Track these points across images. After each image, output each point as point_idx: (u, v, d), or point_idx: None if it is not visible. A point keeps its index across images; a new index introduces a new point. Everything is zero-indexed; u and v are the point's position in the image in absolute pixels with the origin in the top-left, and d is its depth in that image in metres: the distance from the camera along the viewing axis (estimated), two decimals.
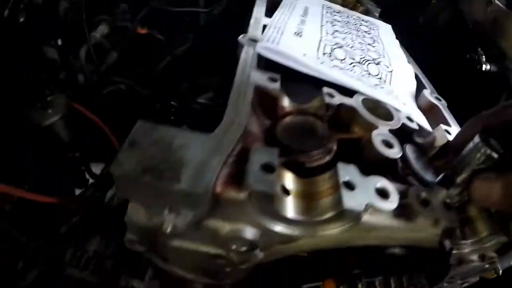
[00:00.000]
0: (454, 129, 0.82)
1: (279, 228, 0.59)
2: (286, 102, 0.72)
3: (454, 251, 0.68)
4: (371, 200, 0.57)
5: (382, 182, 0.61)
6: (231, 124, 0.63)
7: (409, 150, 0.74)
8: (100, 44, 1.19)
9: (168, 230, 0.59)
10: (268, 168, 0.56)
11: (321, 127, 0.72)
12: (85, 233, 1.16)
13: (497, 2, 1.20)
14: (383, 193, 0.60)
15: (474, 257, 0.70)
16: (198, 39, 1.21)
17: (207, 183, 0.53)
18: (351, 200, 0.56)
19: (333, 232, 0.59)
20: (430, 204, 0.61)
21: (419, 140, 0.78)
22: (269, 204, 0.56)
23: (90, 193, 1.10)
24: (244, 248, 0.63)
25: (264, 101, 0.71)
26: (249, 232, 0.60)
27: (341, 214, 0.57)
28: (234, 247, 0.62)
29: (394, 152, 0.66)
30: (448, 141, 0.78)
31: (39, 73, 1.06)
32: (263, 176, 0.55)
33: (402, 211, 0.60)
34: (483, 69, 1.25)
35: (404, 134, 0.77)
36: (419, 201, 0.61)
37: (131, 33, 1.20)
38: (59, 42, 1.09)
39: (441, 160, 0.80)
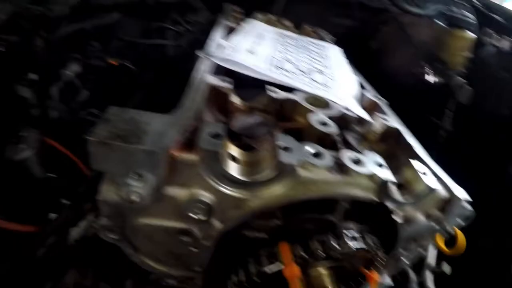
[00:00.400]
0: (392, 118, 0.93)
1: (229, 190, 0.67)
2: (236, 99, 0.85)
3: (396, 209, 0.74)
4: (305, 158, 0.66)
5: (315, 146, 0.70)
6: (187, 109, 0.75)
7: (349, 135, 0.85)
8: (72, 83, 1.22)
9: (134, 198, 0.67)
10: (216, 136, 0.67)
11: (268, 120, 0.84)
12: (63, 265, 1.19)
13: (439, 22, 1.40)
14: (317, 154, 0.69)
15: (419, 215, 0.75)
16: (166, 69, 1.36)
17: (164, 145, 0.64)
18: (287, 157, 0.66)
19: (277, 190, 0.67)
20: (362, 163, 0.70)
21: (359, 129, 0.88)
22: (217, 163, 0.65)
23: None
24: (203, 217, 0.69)
25: (217, 99, 0.84)
26: (205, 197, 0.68)
27: (280, 172, 0.65)
28: (194, 216, 0.69)
29: (330, 129, 0.77)
30: (388, 127, 0.89)
31: (12, 110, 1.10)
32: (211, 140, 0.66)
33: (336, 168, 0.68)
34: (432, 81, 1.40)
35: (345, 125, 0.89)
36: (351, 160, 0.70)
37: (104, 66, 1.30)
38: (33, 78, 1.11)
39: (381, 145, 0.90)
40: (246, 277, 0.73)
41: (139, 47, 1.38)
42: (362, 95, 1.02)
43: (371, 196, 0.70)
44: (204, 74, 0.85)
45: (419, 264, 1.63)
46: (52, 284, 1.15)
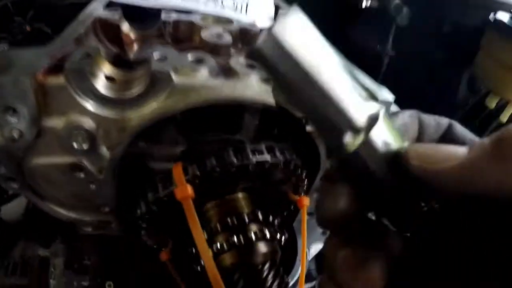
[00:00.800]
0: None
1: (104, 111, 0.62)
2: (128, 28, 0.79)
3: None
4: (182, 63, 0.61)
5: (198, 54, 0.65)
6: (64, 39, 0.70)
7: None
8: None
9: (15, 135, 0.63)
10: (85, 56, 0.62)
11: (163, 44, 0.78)
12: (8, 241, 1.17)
13: None
14: (197, 60, 0.64)
15: None
16: None
17: (30, 71, 0.59)
18: (160, 65, 0.60)
19: (155, 103, 0.62)
20: (255, 66, 0.65)
21: None
22: (84, 82, 0.60)
23: None
24: (86, 146, 0.65)
25: (109, 31, 0.78)
26: (82, 122, 0.63)
27: (154, 82, 0.60)
28: (76, 146, 0.65)
29: (224, 40, 0.71)
30: None
31: None
32: (78, 61, 0.61)
33: (222, 72, 0.63)
34: (363, 6, 1.34)
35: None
36: (243, 64, 0.65)
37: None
38: None
39: None
40: (146, 207, 0.69)
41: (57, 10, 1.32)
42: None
43: (265, 99, 0.64)
44: (92, 8, 0.80)
45: None
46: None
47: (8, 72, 0.60)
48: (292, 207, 0.89)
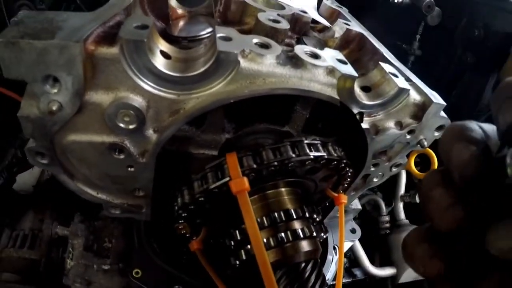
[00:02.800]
0: (354, 24, 0.83)
1: (159, 90, 0.57)
2: (175, 4, 0.73)
3: (365, 117, 0.66)
4: (249, 47, 0.56)
5: (263, 38, 0.60)
6: (113, 5, 0.63)
7: (307, 40, 0.75)
8: None
9: (53, 107, 0.57)
10: (141, 27, 0.56)
11: (213, 22, 0.72)
12: (17, 212, 1.11)
13: None
14: (263, 45, 0.59)
15: (390, 123, 0.67)
16: None
17: (78, 37, 0.52)
18: (226, 45, 0.55)
19: (215, 86, 0.57)
20: (321, 57, 0.60)
21: (317, 35, 0.78)
22: (141, 56, 0.54)
23: None
24: (133, 125, 0.59)
25: (155, 4, 0.72)
26: (132, 100, 0.57)
27: (218, 63, 0.55)
28: (122, 125, 0.59)
29: (281, 25, 0.66)
30: (349, 31, 0.79)
31: None
32: (135, 30, 0.55)
33: (289, 62, 0.59)
34: (397, 1, 1.31)
35: (302, 30, 0.78)
36: (307, 53, 0.60)
37: None
38: None
39: (344, 50, 0.80)
40: (190, 197, 0.65)
41: None
42: (321, 3, 0.91)
43: (330, 93, 0.60)
44: None
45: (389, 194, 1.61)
46: (10, 232, 1.08)
47: (52, 36, 0.53)
48: (327, 203, 0.87)
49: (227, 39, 0.57)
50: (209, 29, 0.71)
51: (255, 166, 0.60)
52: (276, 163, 0.60)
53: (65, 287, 0.93)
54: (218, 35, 0.57)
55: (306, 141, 0.64)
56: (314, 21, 0.82)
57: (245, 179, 0.59)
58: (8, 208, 1.14)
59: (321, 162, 0.64)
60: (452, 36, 1.37)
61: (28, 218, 1.09)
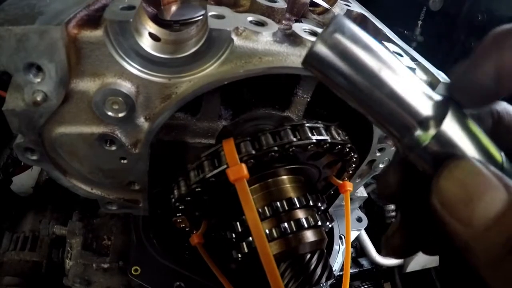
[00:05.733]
0: (355, 5, 0.79)
1: (148, 74, 0.53)
2: None
3: None
4: (243, 24, 0.52)
5: (258, 16, 0.56)
6: None
7: (306, 22, 0.71)
8: None
9: (38, 98, 0.54)
10: (128, 8, 0.52)
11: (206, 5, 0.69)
12: (17, 214, 1.09)
13: None
14: (259, 23, 0.55)
15: None
16: None
17: (59, 21, 0.49)
18: (218, 23, 0.51)
19: (208, 67, 0.53)
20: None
21: (318, 17, 0.74)
22: (127, 38, 0.51)
23: None
24: (122, 113, 0.56)
25: None
26: (120, 85, 0.54)
27: (211, 42, 0.51)
28: (111, 113, 0.56)
29: (277, 4, 0.62)
30: (348, 11, 0.75)
31: None
32: (120, 11, 0.51)
33: (286, 38, 0.55)
34: None
35: (301, 13, 0.74)
36: (306, 31, 0.56)
37: None
38: None
39: None
40: (186, 188, 0.61)
41: None
42: None
43: None
44: None
45: None
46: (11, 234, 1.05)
47: (34, 20, 0.50)
48: (331, 191, 0.83)
49: (219, 17, 0.53)
50: (202, 12, 0.67)
51: (253, 152, 0.57)
52: (276, 148, 0.57)
53: None
54: (210, 13, 0.53)
55: (307, 125, 0.60)
56: (313, 4, 0.79)
57: (243, 166, 0.55)
58: (7, 211, 1.12)
59: (324, 146, 0.61)
60: (455, 22, 1.33)
61: (28, 220, 1.07)
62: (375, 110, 0.26)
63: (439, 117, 0.26)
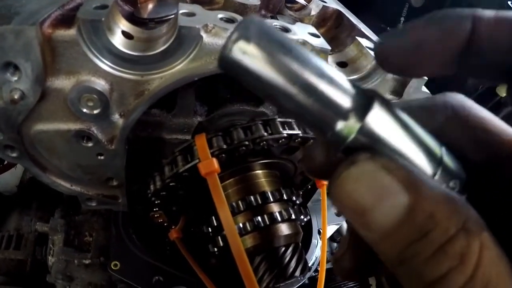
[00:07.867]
0: (331, 1, 0.80)
1: (121, 71, 0.55)
2: None
3: None
4: (212, 21, 0.54)
5: (229, 13, 0.58)
6: None
7: (281, 18, 0.72)
8: None
9: (15, 96, 0.55)
10: (101, 7, 0.54)
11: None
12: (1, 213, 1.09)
13: None
14: (229, 20, 0.56)
15: None
16: None
17: (34, 21, 0.51)
18: (187, 20, 0.53)
19: (180, 65, 0.55)
20: (292, 31, 0.58)
21: (293, 14, 0.76)
22: (100, 36, 0.52)
23: None
24: (97, 110, 0.57)
25: None
26: (94, 83, 0.55)
27: (180, 40, 0.53)
28: (86, 110, 0.57)
29: (251, 0, 0.64)
30: (325, 8, 0.77)
31: None
32: (93, 10, 0.53)
33: None
34: None
35: (276, 9, 0.76)
36: (276, 27, 0.58)
37: None
38: None
39: (321, 28, 0.78)
40: (161, 183, 0.63)
41: None
42: None
43: None
44: None
45: None
46: None
47: (8, 21, 0.51)
48: (309, 186, 0.85)
49: (190, 14, 0.55)
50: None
51: (225, 146, 0.58)
52: (247, 142, 0.58)
53: (50, 285, 0.92)
54: (181, 11, 0.55)
55: (279, 119, 0.62)
56: (290, 1, 0.80)
57: (214, 160, 0.57)
58: None
59: (296, 140, 0.62)
60: None
61: (13, 219, 1.07)
62: (292, 106, 0.24)
63: (362, 110, 0.24)
